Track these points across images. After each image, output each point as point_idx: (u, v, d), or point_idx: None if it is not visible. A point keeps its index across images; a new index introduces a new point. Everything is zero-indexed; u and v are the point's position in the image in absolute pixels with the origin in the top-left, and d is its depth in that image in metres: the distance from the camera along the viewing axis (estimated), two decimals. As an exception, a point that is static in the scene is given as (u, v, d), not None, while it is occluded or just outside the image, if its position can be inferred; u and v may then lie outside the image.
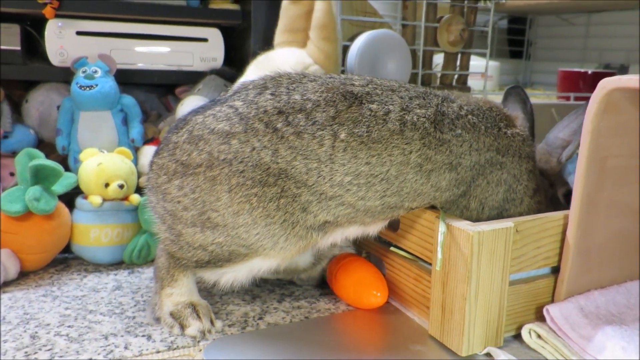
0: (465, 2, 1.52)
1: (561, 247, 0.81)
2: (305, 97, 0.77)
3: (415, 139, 0.78)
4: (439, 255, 0.77)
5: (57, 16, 1.16)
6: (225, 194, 0.75)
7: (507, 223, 0.75)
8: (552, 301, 0.83)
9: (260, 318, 0.87)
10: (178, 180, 0.77)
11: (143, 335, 0.81)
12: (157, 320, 0.84)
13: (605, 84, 0.71)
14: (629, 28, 2.27)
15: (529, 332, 0.79)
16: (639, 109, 0.76)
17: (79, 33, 1.20)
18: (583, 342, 0.73)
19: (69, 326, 0.83)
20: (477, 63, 1.76)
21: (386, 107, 0.78)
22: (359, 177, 0.76)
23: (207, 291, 0.95)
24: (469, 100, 0.87)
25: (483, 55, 1.63)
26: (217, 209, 0.76)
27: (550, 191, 0.99)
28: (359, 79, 0.83)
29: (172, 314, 0.82)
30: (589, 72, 2.03)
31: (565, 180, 1.02)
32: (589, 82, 1.98)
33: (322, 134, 0.75)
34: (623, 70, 2.27)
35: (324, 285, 0.99)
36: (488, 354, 0.77)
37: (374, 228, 0.84)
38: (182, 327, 0.81)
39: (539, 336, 0.78)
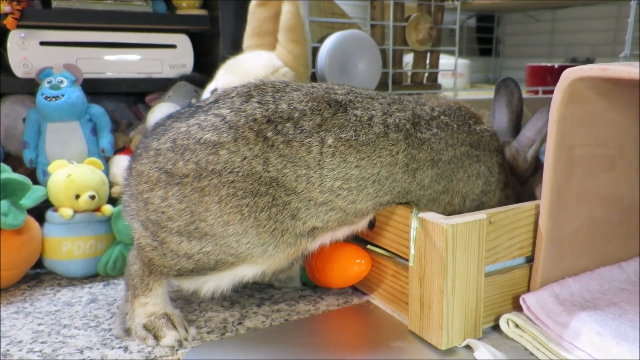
0: (432, 1, 1.54)
1: (534, 237, 0.83)
2: (292, 107, 0.78)
3: (400, 140, 0.81)
4: (412, 251, 0.77)
5: (19, 27, 1.13)
6: (215, 205, 0.73)
7: (480, 215, 0.76)
8: (528, 290, 0.84)
9: (240, 323, 0.86)
10: (161, 190, 0.75)
11: (120, 347, 0.79)
12: (127, 331, 0.82)
13: (569, 74, 0.73)
14: (593, 22, 2.33)
15: (507, 322, 0.80)
16: (602, 99, 0.78)
17: (42, 43, 1.18)
18: (559, 329, 0.74)
19: (42, 342, 0.80)
20: (447, 61, 1.78)
21: (369, 112, 0.81)
22: (350, 181, 0.78)
23: (185, 299, 0.94)
24: (439, 102, 0.93)
25: (453, 53, 1.65)
26: (205, 219, 0.74)
27: (519, 189, 1.01)
28: (340, 88, 0.85)
29: (145, 326, 0.81)
30: (556, 66, 2.07)
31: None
32: (556, 75, 2.00)
33: (309, 141, 0.76)
34: (589, 63, 2.31)
35: (303, 287, 0.99)
36: (468, 346, 0.77)
37: (362, 225, 0.86)
38: (157, 338, 0.79)
39: (516, 325, 0.79)
